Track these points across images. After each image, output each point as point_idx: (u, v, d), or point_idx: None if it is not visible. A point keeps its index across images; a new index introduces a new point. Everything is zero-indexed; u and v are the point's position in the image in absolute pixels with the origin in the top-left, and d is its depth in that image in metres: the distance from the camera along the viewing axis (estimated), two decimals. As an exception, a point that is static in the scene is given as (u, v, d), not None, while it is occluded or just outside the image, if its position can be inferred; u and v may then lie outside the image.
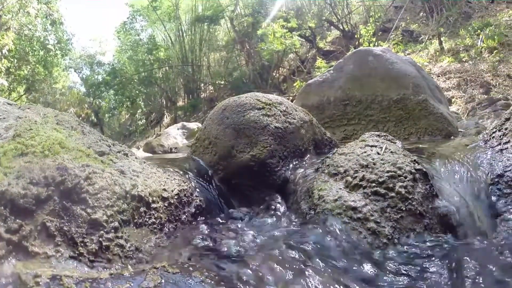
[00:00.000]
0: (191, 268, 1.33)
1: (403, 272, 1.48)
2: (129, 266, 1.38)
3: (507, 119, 2.33)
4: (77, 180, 1.45)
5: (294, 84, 11.77)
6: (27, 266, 1.15)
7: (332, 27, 14.89)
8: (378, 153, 2.04)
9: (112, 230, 1.44)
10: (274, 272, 1.36)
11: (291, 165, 2.41)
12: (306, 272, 1.40)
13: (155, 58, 19.35)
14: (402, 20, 11.73)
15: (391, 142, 2.29)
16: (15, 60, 17.55)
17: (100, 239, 1.39)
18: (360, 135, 2.47)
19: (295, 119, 2.58)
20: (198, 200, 2.01)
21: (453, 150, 2.44)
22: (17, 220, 1.25)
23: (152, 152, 7.13)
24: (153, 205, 1.70)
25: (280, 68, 15.17)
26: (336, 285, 1.35)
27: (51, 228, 1.30)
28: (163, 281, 1.19)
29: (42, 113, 1.91)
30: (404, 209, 1.77)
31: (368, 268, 1.51)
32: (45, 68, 19.39)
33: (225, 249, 1.62)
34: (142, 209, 1.63)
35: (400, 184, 1.84)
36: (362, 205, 1.78)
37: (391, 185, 1.84)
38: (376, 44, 10.41)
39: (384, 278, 1.44)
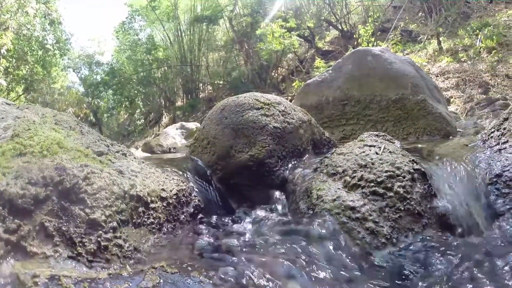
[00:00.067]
0: (189, 268, 1.33)
1: (402, 271, 1.48)
2: (128, 266, 1.38)
3: (506, 119, 2.33)
4: (75, 180, 1.45)
5: (293, 84, 11.77)
6: (25, 266, 1.15)
7: (331, 27, 14.88)
8: (377, 153, 2.05)
9: (111, 230, 1.44)
10: (272, 272, 1.36)
11: (289, 165, 2.41)
12: (304, 272, 1.40)
13: (153, 58, 19.33)
14: (401, 20, 11.72)
15: (390, 142, 2.29)
16: (14, 60, 17.49)
17: (99, 239, 1.39)
18: (359, 135, 2.47)
19: (293, 119, 2.58)
20: (196, 200, 2.01)
21: (452, 150, 2.44)
22: (16, 220, 1.25)
23: (151, 152, 7.12)
24: (152, 205, 1.70)
25: (279, 68, 15.17)
26: (335, 285, 1.35)
27: (49, 228, 1.30)
28: (161, 281, 1.19)
29: (41, 113, 1.91)
30: (402, 208, 1.77)
31: (366, 267, 1.51)
32: (43, 68, 19.34)
33: (224, 249, 1.62)
34: (140, 209, 1.63)
35: (399, 184, 1.84)
36: (360, 205, 1.78)
37: (389, 185, 1.84)
38: (375, 44, 10.41)
39: (383, 277, 1.44)
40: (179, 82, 19.67)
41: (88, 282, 1.14)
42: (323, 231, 1.71)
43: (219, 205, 2.23)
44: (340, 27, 13.67)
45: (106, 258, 1.37)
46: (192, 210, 1.94)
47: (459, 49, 8.80)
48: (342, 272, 1.45)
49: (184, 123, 8.77)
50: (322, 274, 1.41)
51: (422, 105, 3.54)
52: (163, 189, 1.82)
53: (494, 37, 8.03)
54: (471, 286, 1.32)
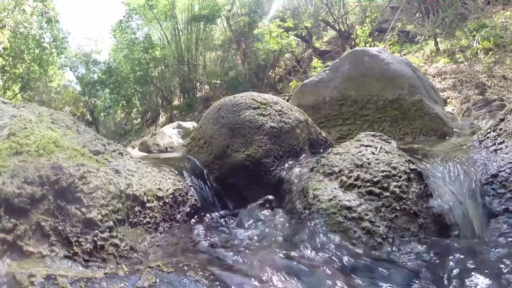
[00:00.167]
0: (185, 268, 1.33)
1: (398, 271, 1.49)
2: (124, 266, 1.38)
3: (502, 120, 2.34)
4: (71, 179, 1.45)
5: (290, 84, 11.75)
6: (21, 266, 1.15)
7: (328, 27, 14.88)
8: (373, 153, 2.05)
9: (107, 230, 1.44)
10: (269, 272, 1.36)
11: (286, 165, 2.41)
12: (301, 272, 1.40)
13: (151, 57, 19.29)
14: (398, 20, 11.73)
15: (386, 142, 2.29)
16: (10, 58, 17.44)
17: (95, 238, 1.38)
18: (356, 135, 2.48)
19: (290, 118, 2.58)
20: (193, 200, 2.02)
21: (448, 150, 2.45)
22: (12, 220, 1.24)
23: (148, 151, 7.11)
24: (148, 205, 1.70)
25: (276, 68, 15.15)
26: (331, 284, 1.35)
27: (45, 228, 1.30)
28: (157, 280, 1.19)
29: (37, 112, 1.91)
30: (398, 208, 1.78)
31: (363, 267, 1.52)
32: (40, 66, 19.28)
33: (220, 248, 1.62)
34: (137, 208, 1.63)
35: (395, 183, 1.84)
36: (356, 205, 1.78)
37: (385, 185, 1.84)
38: (372, 44, 10.41)
39: (379, 277, 1.44)
40: (176, 81, 19.64)
41: (84, 282, 1.14)
42: (319, 230, 1.72)
43: (216, 204, 2.23)
44: (337, 27, 13.68)
45: (103, 258, 1.37)
46: (188, 209, 1.95)
47: (456, 50, 8.82)
48: (337, 272, 1.45)
49: (181, 122, 8.76)
50: (316, 274, 1.41)
51: (418, 105, 3.55)
52: (159, 189, 1.82)
53: (491, 38, 8.05)
54: (467, 286, 1.32)
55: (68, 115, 2.06)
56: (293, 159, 2.47)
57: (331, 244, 1.64)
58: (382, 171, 1.90)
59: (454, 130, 3.84)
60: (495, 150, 2.18)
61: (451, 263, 1.48)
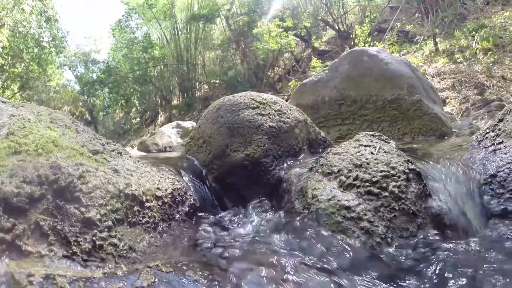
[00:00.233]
0: (184, 267, 1.33)
1: (396, 271, 1.49)
2: (123, 265, 1.38)
3: (501, 120, 2.34)
4: (70, 179, 1.44)
5: (289, 84, 11.76)
6: (20, 265, 1.15)
7: (327, 27, 14.89)
8: (372, 153, 2.05)
9: (106, 229, 1.44)
10: (267, 271, 1.36)
11: (285, 165, 2.41)
12: (299, 271, 1.40)
13: (150, 57, 19.30)
14: (398, 20, 11.74)
15: (385, 142, 2.29)
16: (9, 58, 17.43)
17: (94, 238, 1.38)
18: (355, 134, 2.48)
19: (289, 118, 2.58)
20: (192, 199, 2.01)
21: (447, 150, 2.45)
22: (10, 219, 1.24)
23: (147, 151, 7.11)
24: (147, 204, 1.70)
25: (275, 68, 15.17)
26: (329, 284, 1.35)
27: (44, 227, 1.29)
28: (156, 280, 1.19)
29: (36, 111, 1.91)
30: (397, 208, 1.78)
31: (361, 267, 1.52)
32: (39, 65, 19.27)
33: (219, 248, 1.62)
34: (135, 208, 1.63)
35: (394, 183, 1.84)
36: (355, 205, 1.78)
37: (384, 185, 1.84)
38: (371, 44, 10.42)
39: (378, 277, 1.45)
40: (175, 80, 19.65)
41: (83, 281, 1.14)
42: (318, 230, 1.72)
43: (215, 204, 2.23)
44: (337, 27, 13.69)
45: (101, 257, 1.37)
46: (187, 209, 1.95)
47: (455, 50, 8.83)
48: (335, 272, 1.46)
49: (180, 122, 8.77)
50: (315, 274, 1.41)
51: (417, 105, 3.55)
52: (158, 188, 1.82)
53: (490, 38, 8.06)
54: (465, 285, 1.32)
55: (67, 115, 2.06)
56: (292, 159, 2.47)
57: (330, 244, 1.64)
58: (381, 171, 1.90)
59: (453, 130, 3.85)
60: (494, 150, 2.18)
61: (449, 263, 1.49)
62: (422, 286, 1.38)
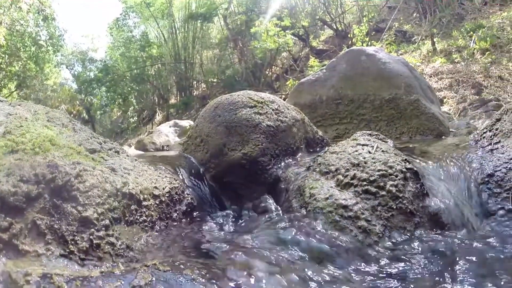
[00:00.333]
0: (182, 266, 1.33)
1: (394, 270, 1.49)
2: (120, 264, 1.38)
3: (498, 120, 2.35)
4: (67, 178, 1.44)
5: (287, 83, 11.77)
6: (17, 265, 1.14)
7: (325, 26, 14.89)
8: (370, 152, 2.05)
9: (103, 228, 1.44)
10: (265, 270, 1.36)
11: (282, 164, 2.41)
12: (297, 270, 1.40)
13: (147, 55, 19.27)
14: (396, 20, 11.75)
15: (383, 141, 2.30)
16: (6, 56, 17.38)
17: (91, 237, 1.38)
18: (352, 134, 2.48)
19: (287, 117, 2.58)
20: (189, 198, 2.01)
21: (444, 149, 2.46)
22: (7, 218, 1.24)
23: (144, 149, 7.11)
24: (144, 203, 1.69)
25: (273, 67, 15.17)
26: (327, 283, 1.35)
27: (41, 226, 1.29)
28: (154, 279, 1.19)
29: (33, 110, 1.90)
30: (394, 207, 1.78)
31: (358, 266, 1.52)
32: (36, 64, 19.22)
33: (216, 246, 1.62)
34: (133, 207, 1.63)
35: (391, 182, 1.85)
36: (353, 204, 1.79)
37: (382, 184, 1.85)
38: (369, 44, 10.43)
39: (375, 276, 1.45)
40: (173, 79, 19.62)
41: (80, 280, 1.14)
42: (316, 229, 1.72)
43: (212, 203, 2.23)
44: (334, 27, 13.69)
45: (99, 256, 1.37)
46: (185, 208, 1.94)
47: (453, 50, 8.83)
48: (333, 271, 1.46)
49: (177, 121, 8.77)
50: (313, 273, 1.41)
51: (415, 105, 3.55)
52: (155, 187, 1.81)
53: (487, 38, 8.08)
54: (463, 284, 1.33)
55: (64, 113, 2.05)
56: (289, 158, 2.48)
57: (328, 243, 1.64)
58: (379, 170, 1.90)
59: (451, 129, 3.85)
60: (491, 150, 2.19)
61: (447, 261, 1.49)
62: (420, 284, 1.38)
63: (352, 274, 1.45)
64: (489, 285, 1.29)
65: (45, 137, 1.59)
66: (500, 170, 2.01)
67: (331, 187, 1.93)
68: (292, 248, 1.60)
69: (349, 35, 12.37)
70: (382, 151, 2.06)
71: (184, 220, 1.89)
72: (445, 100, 6.93)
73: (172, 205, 1.87)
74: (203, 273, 1.29)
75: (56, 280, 1.10)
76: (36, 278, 1.09)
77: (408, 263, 1.53)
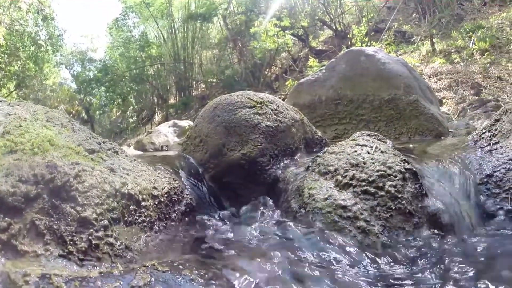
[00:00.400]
0: (181, 266, 1.33)
1: (393, 270, 1.49)
2: (119, 265, 1.38)
3: (497, 120, 2.35)
4: (66, 178, 1.44)
5: (286, 83, 11.76)
6: (16, 265, 1.14)
7: (325, 26, 14.88)
8: (369, 152, 2.05)
9: (102, 229, 1.44)
10: (264, 271, 1.36)
11: (281, 164, 2.41)
12: (296, 271, 1.40)
13: (147, 55, 19.24)
14: (395, 21, 11.75)
15: (382, 141, 2.30)
16: (6, 56, 17.36)
17: (90, 237, 1.38)
18: (351, 134, 2.48)
19: (286, 118, 2.59)
20: (188, 198, 2.01)
21: (443, 150, 2.46)
22: (6, 219, 1.24)
23: (143, 150, 7.10)
24: (143, 203, 1.69)
25: (272, 67, 15.16)
26: (326, 283, 1.35)
27: (40, 227, 1.29)
28: (152, 279, 1.19)
29: (32, 110, 1.90)
30: (393, 208, 1.78)
31: (357, 266, 1.52)
32: (35, 64, 19.20)
33: (215, 247, 1.62)
34: (132, 207, 1.63)
35: (390, 183, 1.85)
36: (352, 204, 1.79)
37: (381, 184, 1.85)
38: (368, 44, 10.42)
39: (374, 276, 1.45)
40: (172, 79, 19.60)
41: (79, 281, 1.14)
42: (315, 229, 1.72)
43: (211, 203, 2.23)
44: (334, 27, 13.69)
45: (97, 257, 1.37)
46: (183, 208, 1.94)
47: (452, 50, 8.83)
48: (332, 270, 1.46)
49: (176, 121, 8.76)
50: (312, 273, 1.41)
51: (414, 105, 3.55)
52: (154, 187, 1.81)
53: (487, 39, 8.07)
54: (462, 285, 1.33)
55: (63, 113, 2.05)
56: (288, 158, 2.48)
57: (326, 243, 1.64)
58: (378, 171, 1.90)
59: (450, 130, 3.86)
60: (490, 150, 2.19)
61: (445, 262, 1.49)
62: (418, 285, 1.38)
63: (351, 275, 1.45)
64: (489, 285, 1.29)
65: (44, 137, 1.59)
66: (499, 170, 2.02)
67: (330, 187, 1.93)
68: (290, 249, 1.60)
69: (348, 36, 12.38)
70: (381, 151, 2.06)
71: (183, 220, 1.89)
72: (444, 100, 6.93)
73: (171, 206, 1.87)
74: (202, 273, 1.29)
75: (55, 280, 1.10)
76: (35, 279, 1.09)
77: (407, 264, 1.53)
